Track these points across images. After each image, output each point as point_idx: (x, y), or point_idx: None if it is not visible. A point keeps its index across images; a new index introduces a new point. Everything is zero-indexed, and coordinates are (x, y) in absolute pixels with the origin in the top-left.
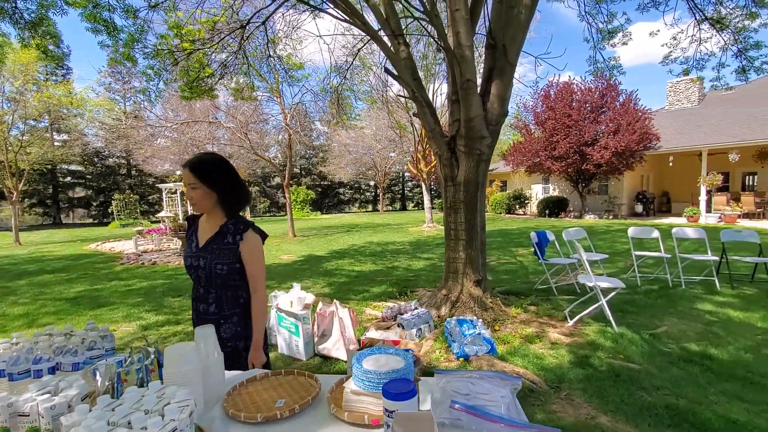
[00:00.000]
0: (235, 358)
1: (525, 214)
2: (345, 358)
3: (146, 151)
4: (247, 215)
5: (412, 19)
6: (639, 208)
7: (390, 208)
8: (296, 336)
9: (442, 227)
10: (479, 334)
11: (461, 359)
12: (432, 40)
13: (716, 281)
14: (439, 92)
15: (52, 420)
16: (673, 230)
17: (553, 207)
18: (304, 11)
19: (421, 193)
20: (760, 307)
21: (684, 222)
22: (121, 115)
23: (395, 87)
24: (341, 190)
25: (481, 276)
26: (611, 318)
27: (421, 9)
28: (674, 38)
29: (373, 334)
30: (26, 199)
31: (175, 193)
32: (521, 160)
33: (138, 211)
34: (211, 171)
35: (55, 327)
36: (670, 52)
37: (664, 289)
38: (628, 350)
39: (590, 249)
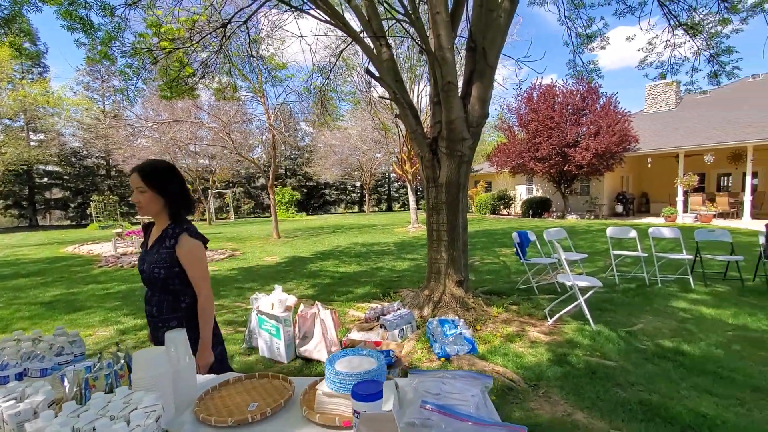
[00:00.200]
0: None
1: (509, 214)
2: None
3: (126, 152)
4: (232, 217)
5: (395, 21)
6: (619, 208)
7: (376, 209)
8: (277, 338)
9: None
10: (460, 334)
11: (443, 359)
12: (415, 42)
13: (691, 279)
14: (423, 93)
15: (17, 427)
16: (650, 230)
17: (537, 207)
18: (285, 11)
19: (407, 194)
20: (731, 305)
21: (662, 222)
22: (99, 115)
23: (379, 88)
24: (327, 191)
25: (463, 276)
26: (589, 316)
27: (403, 11)
28: (650, 43)
29: (355, 335)
30: (1, 201)
31: None
32: (505, 161)
33: (118, 212)
34: (160, 177)
35: (24, 332)
36: (646, 56)
37: (641, 287)
38: (605, 348)
39: (570, 249)
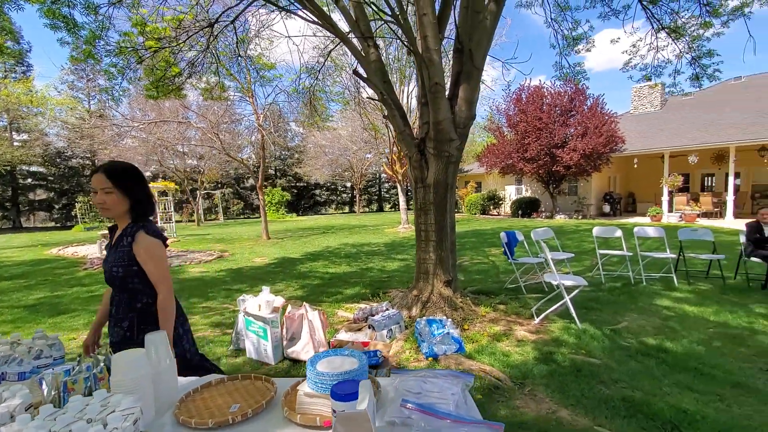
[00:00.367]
0: None
1: (499, 214)
2: None
3: (111, 152)
4: (221, 218)
5: (383, 22)
6: (606, 208)
7: (367, 209)
8: (264, 340)
9: None
10: (448, 333)
11: (430, 359)
12: (402, 43)
13: (674, 278)
14: (413, 94)
15: None
16: (635, 229)
17: (526, 207)
18: (273, 11)
19: (398, 194)
20: (713, 302)
21: (648, 221)
22: (84, 114)
23: (368, 89)
24: (317, 192)
25: (452, 276)
26: (575, 315)
27: (390, 13)
28: (633, 46)
29: (343, 336)
30: None
31: None
32: (495, 162)
33: None
34: (126, 178)
35: (3, 336)
36: (630, 58)
37: (626, 286)
38: (590, 346)
39: (558, 248)
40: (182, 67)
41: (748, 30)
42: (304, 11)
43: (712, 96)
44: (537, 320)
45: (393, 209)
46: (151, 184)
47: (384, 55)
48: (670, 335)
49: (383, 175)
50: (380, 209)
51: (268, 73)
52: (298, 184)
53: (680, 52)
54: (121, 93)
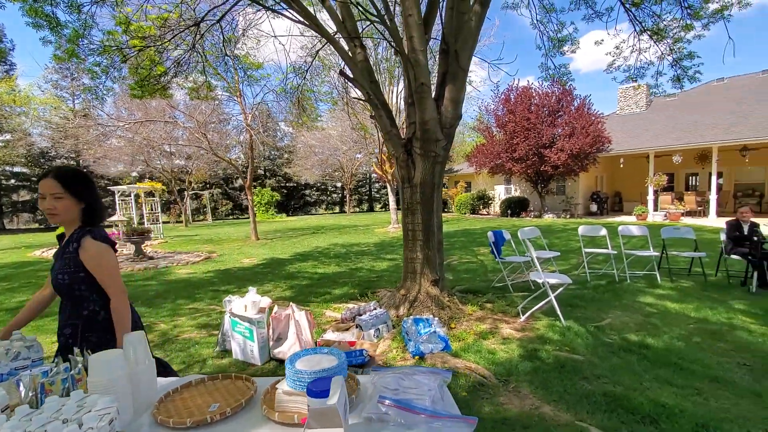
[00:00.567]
0: None
1: (488, 214)
2: None
3: (97, 152)
4: (209, 218)
5: (369, 23)
6: (594, 207)
7: (357, 209)
8: (251, 341)
9: None
10: (434, 332)
11: (416, 357)
12: (389, 43)
13: (657, 275)
14: (402, 95)
15: None
16: (619, 228)
17: (515, 207)
18: (258, 10)
19: (388, 194)
20: (694, 299)
21: (634, 220)
22: (69, 114)
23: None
24: (307, 192)
25: (439, 275)
26: (559, 312)
27: (376, 13)
28: (617, 48)
29: (330, 335)
30: None
31: (129, 196)
32: (484, 162)
33: None
34: (77, 183)
35: None
36: (614, 60)
37: (611, 283)
38: (574, 342)
39: (544, 247)
40: (168, 66)
41: (727, 32)
42: (290, 11)
43: (696, 97)
44: (523, 318)
45: (383, 209)
46: (137, 185)
47: (372, 55)
48: (651, 331)
49: (373, 175)
50: (371, 209)
51: (255, 72)
52: (287, 184)
53: (662, 53)
54: (104, 92)
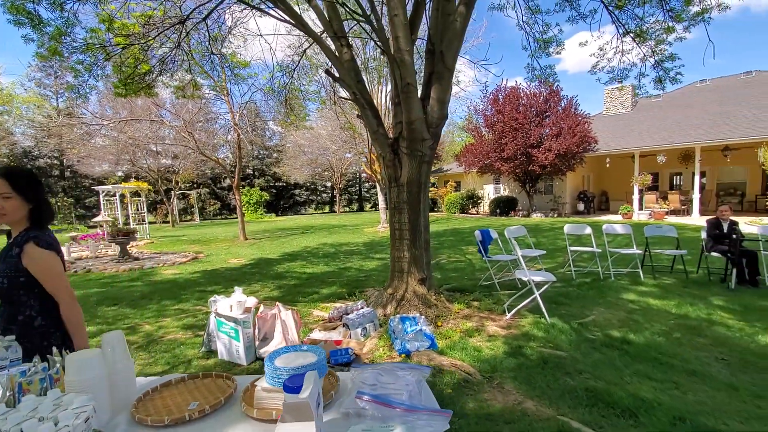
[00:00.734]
0: None
1: (478, 213)
2: None
3: (81, 151)
4: (196, 219)
5: (356, 23)
6: (581, 206)
7: (347, 209)
8: (236, 341)
9: None
10: (420, 330)
11: (403, 355)
12: (375, 43)
13: (641, 273)
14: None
15: None
16: (604, 227)
17: (504, 206)
18: (244, 9)
19: (377, 193)
20: (676, 295)
21: (620, 219)
22: (52, 112)
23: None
24: (297, 192)
25: (426, 274)
26: (544, 310)
27: (361, 13)
28: (601, 49)
29: (316, 335)
30: None
31: (114, 196)
32: (473, 161)
33: (73, 215)
34: (28, 182)
35: None
36: (598, 61)
37: (595, 281)
38: (558, 339)
39: (531, 246)
40: (153, 64)
41: (708, 35)
42: (276, 10)
43: (679, 98)
44: (508, 316)
45: (373, 209)
46: (122, 185)
47: (361, 54)
48: (633, 327)
49: (363, 174)
50: (361, 209)
51: (242, 71)
52: (277, 183)
53: (644, 55)
54: (88, 91)
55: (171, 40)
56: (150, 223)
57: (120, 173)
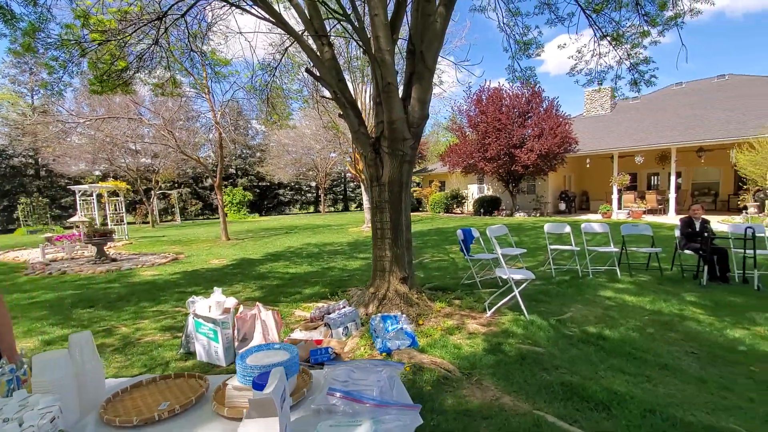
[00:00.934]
0: None
1: (462, 212)
2: None
3: (56, 150)
4: (177, 219)
5: (337, 21)
6: (562, 206)
7: (332, 209)
8: (215, 342)
9: None
10: (401, 328)
11: (384, 354)
12: (356, 42)
13: (618, 270)
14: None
15: None
16: (582, 226)
17: (488, 206)
18: (223, 6)
19: (362, 193)
20: (650, 292)
21: (599, 218)
22: (27, 110)
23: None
24: (281, 191)
25: (407, 273)
26: (523, 307)
27: (342, 12)
28: (579, 51)
29: (297, 335)
30: None
31: (90, 195)
32: (457, 161)
33: (48, 216)
34: None
35: None
36: (576, 63)
37: (574, 279)
38: (536, 335)
39: (512, 245)
40: (130, 61)
41: (681, 40)
42: (255, 8)
43: (657, 101)
44: (489, 313)
45: (359, 209)
46: (99, 184)
47: (344, 53)
48: (609, 323)
49: (348, 174)
50: (346, 209)
51: (223, 69)
52: (260, 183)
53: (620, 58)
54: (62, 88)
55: (149, 36)
56: (129, 223)
57: (97, 172)
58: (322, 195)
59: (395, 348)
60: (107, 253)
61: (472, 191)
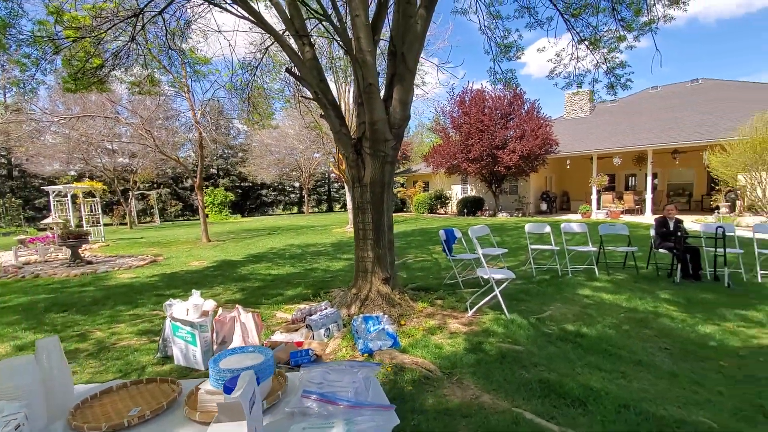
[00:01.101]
0: None
1: (446, 213)
2: None
3: (29, 149)
4: (157, 220)
5: (318, 21)
6: (544, 206)
7: (316, 209)
8: (193, 345)
9: None
10: (383, 329)
11: (365, 355)
12: (338, 43)
13: (596, 269)
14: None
15: None
16: (562, 226)
17: (471, 206)
18: (201, 4)
19: (346, 193)
20: (627, 290)
21: (579, 218)
22: None
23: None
24: (264, 192)
25: (389, 274)
26: (504, 306)
27: (322, 12)
28: (557, 55)
29: (278, 337)
30: None
31: (65, 196)
32: (441, 162)
33: (21, 217)
34: None
35: None
36: (555, 67)
37: (554, 278)
38: (517, 334)
39: (494, 245)
40: (105, 58)
41: (655, 45)
42: (234, 6)
43: (634, 104)
44: (470, 313)
45: (343, 209)
46: (75, 184)
47: (327, 53)
48: (587, 321)
49: (332, 175)
50: (330, 209)
51: (203, 67)
52: (242, 184)
53: (597, 62)
54: (35, 86)
55: (125, 33)
56: (105, 224)
57: (72, 172)
58: (305, 195)
59: (377, 349)
60: (82, 255)
61: (456, 192)
